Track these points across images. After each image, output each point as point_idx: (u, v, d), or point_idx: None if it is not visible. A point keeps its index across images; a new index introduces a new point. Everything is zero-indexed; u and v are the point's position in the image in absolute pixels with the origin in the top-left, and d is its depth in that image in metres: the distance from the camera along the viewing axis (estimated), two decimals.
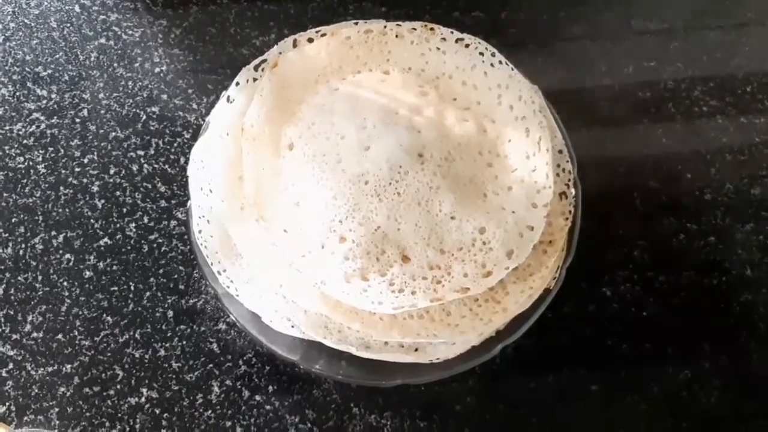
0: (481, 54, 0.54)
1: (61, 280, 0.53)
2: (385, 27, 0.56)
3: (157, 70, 0.60)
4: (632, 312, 0.53)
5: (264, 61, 0.56)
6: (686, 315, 0.53)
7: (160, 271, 0.54)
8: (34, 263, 0.53)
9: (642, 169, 0.58)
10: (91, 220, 0.55)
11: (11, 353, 0.51)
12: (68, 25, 0.62)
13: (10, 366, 0.51)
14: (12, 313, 0.52)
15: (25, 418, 0.48)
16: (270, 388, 0.51)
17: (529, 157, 0.52)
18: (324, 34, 0.57)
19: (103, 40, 0.61)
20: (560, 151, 0.53)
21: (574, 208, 0.52)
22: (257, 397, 0.50)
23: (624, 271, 0.54)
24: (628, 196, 0.57)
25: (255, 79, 0.56)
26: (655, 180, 0.57)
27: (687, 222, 0.56)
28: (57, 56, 0.61)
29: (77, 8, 0.63)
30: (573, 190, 0.52)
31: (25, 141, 0.57)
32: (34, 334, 0.51)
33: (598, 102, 0.60)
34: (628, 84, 0.61)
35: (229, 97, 0.55)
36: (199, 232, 0.52)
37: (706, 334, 0.53)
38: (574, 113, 0.55)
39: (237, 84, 0.55)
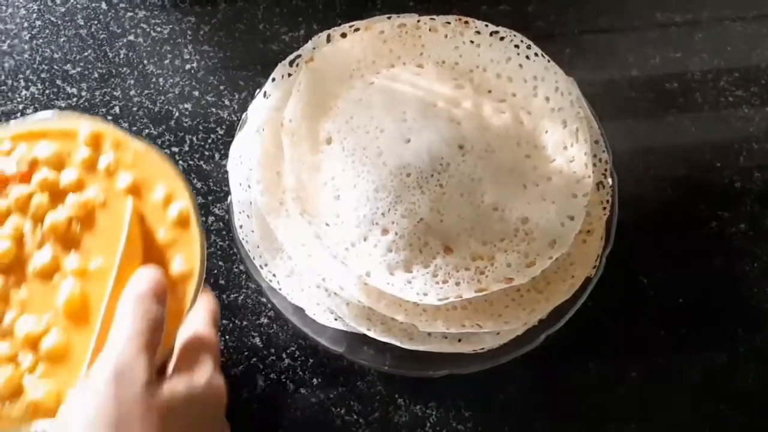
0: (517, 46, 0.55)
1: None
2: (418, 21, 0.57)
3: (187, 66, 0.60)
4: (668, 299, 0.54)
5: (299, 56, 0.56)
6: (720, 300, 0.54)
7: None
8: None
9: (672, 158, 0.58)
10: None
11: None
12: (95, 22, 0.62)
13: None
14: None
15: None
16: (314, 380, 0.51)
17: (566, 147, 0.53)
18: (357, 29, 0.57)
19: (131, 38, 0.61)
20: (596, 142, 0.54)
21: (612, 197, 0.53)
22: (302, 390, 0.51)
23: (659, 259, 0.55)
24: (660, 185, 0.57)
25: (290, 75, 0.56)
26: (685, 169, 0.58)
27: (718, 210, 0.56)
28: (86, 54, 0.61)
29: (104, 5, 0.63)
30: (610, 180, 0.53)
31: None
32: None
33: (626, 93, 0.61)
34: (656, 75, 0.61)
35: (265, 92, 0.55)
36: (240, 227, 0.52)
37: (739, 319, 0.53)
38: (603, 104, 0.55)
39: (273, 80, 0.55)
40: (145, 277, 0.40)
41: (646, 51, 0.62)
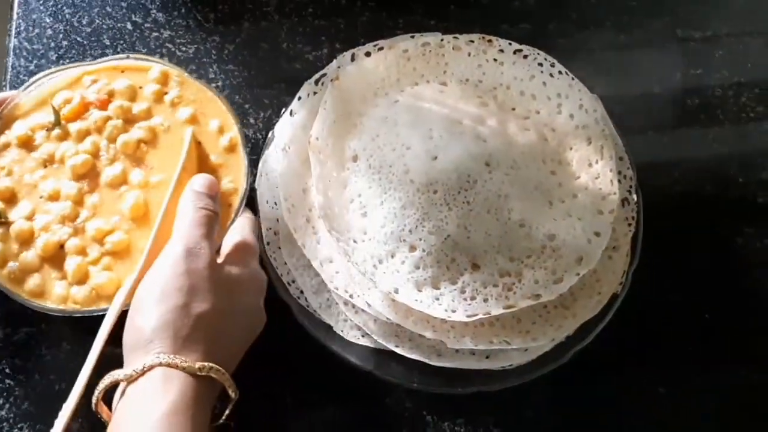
0: (540, 64, 0.56)
1: None
2: (442, 39, 0.57)
3: (213, 86, 0.61)
4: (694, 315, 0.54)
5: (324, 75, 0.57)
6: (749, 316, 0.54)
7: None
8: None
9: (696, 174, 0.58)
10: None
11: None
12: (121, 42, 0.63)
13: None
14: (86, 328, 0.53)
15: None
16: (342, 398, 0.51)
17: (591, 164, 0.53)
18: (381, 48, 0.58)
19: (157, 57, 0.62)
20: (621, 158, 0.54)
21: (637, 213, 0.53)
22: (330, 408, 0.51)
23: (685, 275, 0.55)
24: (684, 201, 0.58)
25: (315, 93, 0.56)
26: (710, 185, 0.58)
27: (744, 226, 0.57)
28: None
29: (129, 26, 0.64)
30: (635, 196, 0.53)
31: None
32: None
33: (648, 109, 0.61)
34: (677, 91, 0.62)
35: (291, 111, 0.56)
36: (268, 243, 0.53)
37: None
38: (625, 121, 0.56)
39: (299, 98, 0.56)
40: (202, 178, 0.49)
41: (667, 68, 0.63)
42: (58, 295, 0.48)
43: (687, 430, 0.51)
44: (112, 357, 0.44)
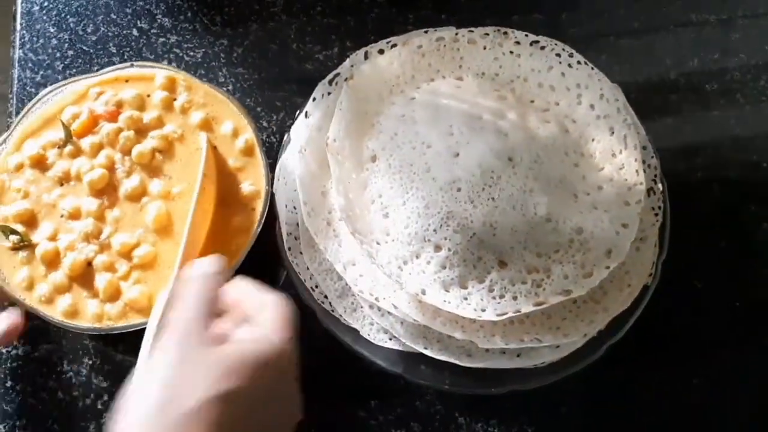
0: (558, 55, 0.55)
1: None
2: (456, 34, 0.56)
3: (223, 89, 0.60)
4: (725, 303, 0.53)
5: (337, 74, 0.56)
6: None
7: None
8: None
9: (718, 159, 0.58)
10: None
11: (105, 384, 0.51)
12: (128, 49, 0.62)
13: (105, 398, 0.50)
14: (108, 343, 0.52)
15: None
16: (372, 402, 0.50)
17: (615, 155, 0.52)
18: (395, 45, 0.57)
19: (165, 63, 0.61)
20: (644, 148, 0.53)
21: (663, 203, 0.52)
22: (360, 413, 0.50)
23: (713, 263, 0.54)
24: (708, 187, 0.57)
25: (329, 93, 0.55)
26: (732, 170, 0.57)
27: None
28: None
29: (135, 32, 0.63)
30: (660, 186, 0.52)
31: None
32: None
33: (667, 96, 0.60)
34: (695, 77, 0.61)
35: (306, 112, 0.55)
36: (289, 249, 0.52)
37: None
38: (644, 108, 0.55)
39: (314, 99, 0.55)
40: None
41: (684, 53, 0.62)
42: (93, 313, 0.47)
43: (722, 420, 0.50)
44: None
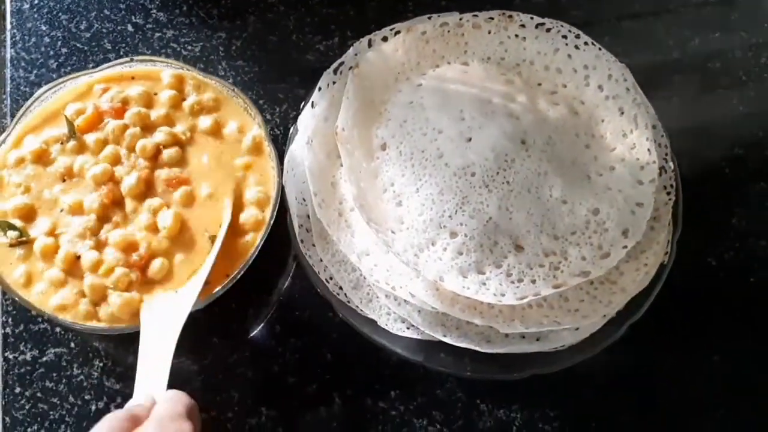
0: (564, 37, 0.54)
1: None
2: (460, 19, 0.56)
3: (230, 84, 0.59)
4: (739, 279, 0.53)
5: (342, 63, 0.55)
6: None
7: (265, 285, 0.52)
8: None
9: (725, 137, 0.58)
10: None
11: (117, 386, 0.50)
12: (123, 45, 0.61)
13: (119, 400, 0.49)
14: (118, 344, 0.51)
15: None
16: (392, 393, 0.50)
17: (626, 134, 0.52)
18: (398, 32, 0.56)
19: (162, 58, 0.60)
20: (654, 127, 0.53)
21: (675, 181, 0.52)
22: (381, 404, 0.49)
23: (725, 240, 0.54)
24: (716, 165, 0.57)
25: (334, 83, 0.55)
26: (739, 147, 0.57)
27: None
28: None
29: (130, 27, 0.61)
30: (671, 164, 0.52)
31: None
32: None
33: (670, 76, 0.60)
34: (697, 56, 0.61)
35: (312, 102, 0.54)
36: (301, 242, 0.51)
37: None
38: (649, 89, 0.54)
39: (319, 89, 0.54)
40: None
41: (685, 33, 0.62)
42: (84, 311, 0.46)
43: (745, 397, 0.50)
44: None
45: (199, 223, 0.48)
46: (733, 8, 0.63)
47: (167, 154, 0.50)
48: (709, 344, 0.51)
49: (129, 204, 0.48)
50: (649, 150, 0.51)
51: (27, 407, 0.49)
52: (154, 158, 0.50)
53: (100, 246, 0.47)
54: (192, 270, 0.47)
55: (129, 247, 0.47)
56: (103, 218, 0.48)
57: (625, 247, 0.48)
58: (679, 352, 0.51)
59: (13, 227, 0.47)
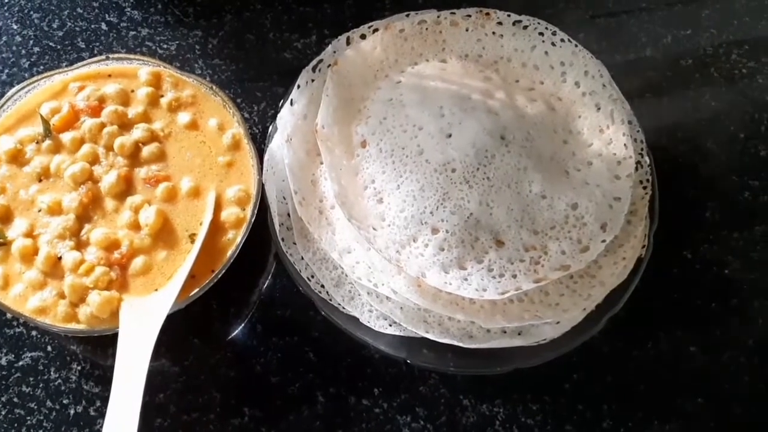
0: (541, 34, 0.55)
1: None
2: (438, 16, 0.56)
3: (207, 82, 0.58)
4: (714, 271, 0.54)
5: (321, 61, 0.55)
6: (765, 267, 0.54)
7: (245, 284, 0.52)
8: None
9: (697, 132, 0.59)
10: None
11: (97, 390, 0.49)
12: (97, 44, 0.60)
13: (98, 403, 0.49)
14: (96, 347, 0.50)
15: None
16: (375, 390, 0.50)
17: (602, 130, 0.53)
18: (376, 29, 0.56)
19: (138, 56, 0.59)
20: (629, 122, 0.54)
21: (651, 176, 0.53)
22: (364, 402, 0.49)
23: (700, 233, 0.55)
24: (690, 160, 0.58)
25: (313, 80, 0.54)
26: (711, 142, 0.59)
27: (749, 179, 0.57)
28: None
29: (104, 26, 0.60)
30: (647, 159, 0.53)
31: None
32: None
33: (644, 72, 0.61)
34: (669, 53, 0.62)
35: (291, 100, 0.53)
36: (282, 240, 0.51)
37: None
38: (623, 85, 0.55)
39: (298, 86, 0.54)
40: None
41: (657, 30, 0.63)
42: (63, 313, 0.45)
43: (723, 385, 0.51)
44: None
45: (181, 219, 0.48)
46: (703, 6, 0.64)
47: (147, 150, 0.49)
48: (687, 336, 0.52)
49: (109, 203, 0.48)
50: (625, 145, 0.51)
51: (3, 413, 0.48)
52: (133, 156, 0.49)
53: (80, 246, 0.47)
54: (174, 268, 0.46)
55: (111, 246, 0.46)
56: (83, 218, 0.47)
57: (604, 241, 0.49)
58: (657, 344, 0.51)
59: None
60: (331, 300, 0.50)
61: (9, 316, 0.49)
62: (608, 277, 0.50)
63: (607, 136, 0.52)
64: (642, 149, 0.53)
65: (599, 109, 0.53)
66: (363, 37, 0.56)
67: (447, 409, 0.49)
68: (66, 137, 0.49)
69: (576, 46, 0.54)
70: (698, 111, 0.60)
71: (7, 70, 0.59)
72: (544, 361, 0.48)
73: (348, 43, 0.56)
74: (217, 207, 0.49)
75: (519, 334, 0.49)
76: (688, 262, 0.54)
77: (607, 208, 0.50)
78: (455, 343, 0.48)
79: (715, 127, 0.59)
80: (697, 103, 0.60)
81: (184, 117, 0.51)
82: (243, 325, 0.51)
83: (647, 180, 0.52)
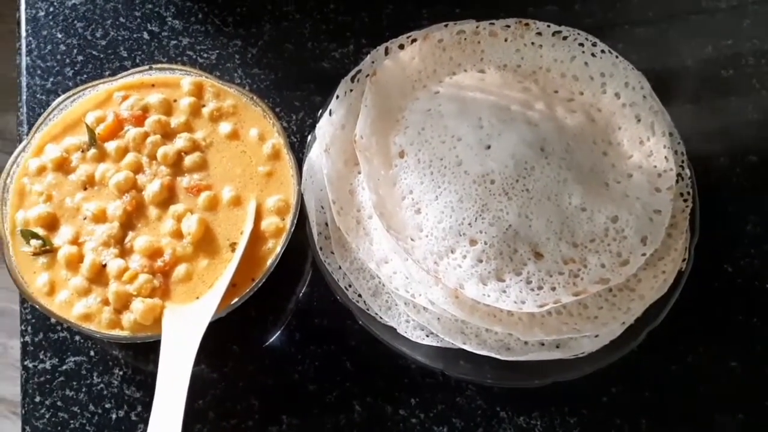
0: (581, 45, 0.55)
1: None
2: (477, 27, 0.56)
3: (247, 91, 0.59)
4: (755, 285, 0.53)
5: (359, 71, 0.55)
6: None
7: (283, 292, 0.53)
8: None
9: (739, 144, 0.58)
10: None
11: (138, 395, 0.50)
12: (139, 53, 0.61)
13: (139, 408, 0.49)
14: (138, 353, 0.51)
15: None
16: (412, 400, 0.50)
17: (643, 142, 0.52)
18: (415, 40, 0.56)
19: (180, 65, 0.60)
20: (670, 134, 0.53)
21: (692, 188, 0.52)
22: (401, 412, 0.49)
23: (741, 247, 0.54)
24: (731, 172, 0.57)
25: (351, 90, 0.55)
26: (753, 154, 0.58)
27: None
28: None
29: (146, 35, 0.61)
30: (688, 171, 0.52)
31: None
32: None
33: (683, 83, 0.60)
34: (710, 63, 0.61)
35: (330, 110, 0.54)
36: (320, 249, 0.51)
37: None
38: (663, 96, 0.54)
39: (337, 97, 0.54)
40: None
41: (698, 40, 0.62)
42: (107, 320, 0.46)
43: (761, 402, 0.50)
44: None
45: (222, 228, 0.49)
46: (744, 15, 0.63)
47: (190, 159, 0.50)
48: (727, 350, 0.51)
49: (152, 211, 0.49)
50: (666, 157, 0.51)
51: (47, 416, 0.49)
52: (176, 165, 0.50)
53: (124, 253, 0.47)
54: (215, 276, 0.47)
55: (154, 254, 0.47)
56: (127, 225, 0.48)
57: (644, 254, 0.48)
58: (697, 358, 0.51)
59: (36, 236, 0.47)
60: (368, 309, 0.50)
61: (53, 320, 0.50)
62: (648, 291, 0.49)
63: (648, 148, 0.52)
64: (682, 161, 0.53)
65: (639, 120, 0.52)
66: (401, 47, 0.56)
67: (484, 420, 0.49)
68: (110, 146, 0.50)
69: (616, 57, 0.53)
70: (740, 122, 0.59)
71: (51, 79, 0.60)
72: (582, 374, 0.47)
73: (386, 53, 0.56)
74: (258, 216, 0.49)
75: (557, 347, 0.49)
76: (729, 275, 0.54)
77: (648, 221, 0.49)
78: (493, 355, 0.48)
79: (756, 139, 0.59)
80: (738, 115, 0.60)
81: (225, 127, 0.52)
82: (281, 332, 0.52)
83: (688, 192, 0.52)
